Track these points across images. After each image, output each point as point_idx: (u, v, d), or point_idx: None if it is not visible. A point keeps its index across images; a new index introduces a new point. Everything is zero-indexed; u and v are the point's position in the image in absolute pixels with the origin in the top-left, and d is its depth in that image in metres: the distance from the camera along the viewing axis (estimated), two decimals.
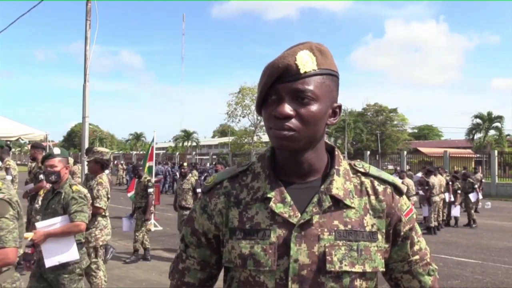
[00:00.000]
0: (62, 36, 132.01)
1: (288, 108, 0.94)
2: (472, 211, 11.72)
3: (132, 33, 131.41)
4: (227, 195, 1.04)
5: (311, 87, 0.95)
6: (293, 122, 0.94)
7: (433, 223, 10.17)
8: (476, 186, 12.15)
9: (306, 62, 0.94)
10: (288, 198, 0.99)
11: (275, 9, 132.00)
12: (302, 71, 0.94)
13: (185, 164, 7.80)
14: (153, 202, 7.26)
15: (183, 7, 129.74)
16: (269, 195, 0.99)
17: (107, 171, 7.44)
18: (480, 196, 12.94)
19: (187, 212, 6.99)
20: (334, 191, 0.99)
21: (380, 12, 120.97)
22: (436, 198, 10.48)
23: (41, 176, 6.27)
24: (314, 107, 0.95)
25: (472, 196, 11.87)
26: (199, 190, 7.02)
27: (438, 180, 10.59)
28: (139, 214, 7.02)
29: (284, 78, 0.94)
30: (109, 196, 4.66)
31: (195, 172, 7.59)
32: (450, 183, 11.43)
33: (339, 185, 1.00)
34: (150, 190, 6.99)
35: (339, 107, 1.04)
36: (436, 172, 11.06)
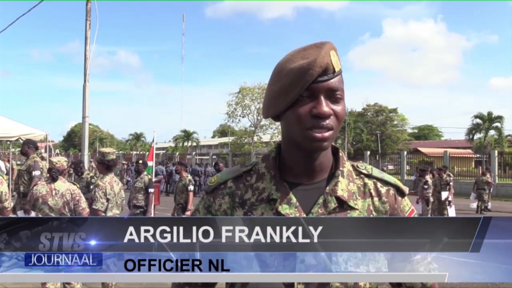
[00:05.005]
0: (60, 36, 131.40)
1: (328, 107, 0.95)
2: None
3: (129, 33, 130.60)
4: (232, 195, 1.04)
5: (341, 86, 0.98)
6: (332, 120, 0.96)
7: None
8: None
9: (335, 61, 0.97)
10: (294, 200, 0.99)
11: (270, 9, 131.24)
12: (336, 70, 0.96)
13: (140, 161, 7.49)
14: (152, 200, 7.14)
15: (178, 7, 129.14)
16: (274, 196, 1.00)
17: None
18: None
19: (138, 211, 6.79)
20: (339, 192, 1.00)
21: (377, 12, 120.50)
22: None
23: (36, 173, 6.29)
24: (342, 105, 0.99)
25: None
26: (151, 190, 6.81)
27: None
28: None
29: (319, 77, 0.95)
30: (109, 197, 4.61)
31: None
32: (452, 183, 11.20)
33: (344, 187, 1.01)
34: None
35: None
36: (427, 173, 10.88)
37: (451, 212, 11.23)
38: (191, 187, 7.22)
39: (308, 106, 0.95)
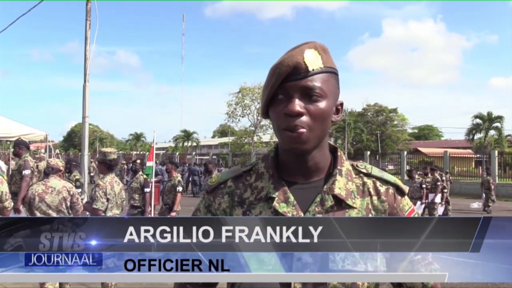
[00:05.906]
0: (60, 36, 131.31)
1: (299, 106, 0.95)
2: None
3: (129, 33, 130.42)
4: (231, 194, 1.06)
5: (319, 84, 0.96)
6: (304, 120, 0.96)
7: None
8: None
9: (313, 60, 0.96)
10: (291, 198, 1.00)
11: (269, 8, 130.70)
12: (310, 69, 0.96)
13: (138, 161, 7.27)
14: (150, 200, 7.00)
15: (178, 7, 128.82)
16: (272, 195, 1.00)
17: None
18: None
19: (136, 211, 6.64)
20: (337, 191, 1.00)
21: (377, 12, 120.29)
22: None
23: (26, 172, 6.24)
24: (322, 104, 0.97)
25: None
26: (147, 189, 6.62)
27: None
28: None
29: (292, 77, 0.95)
30: (109, 197, 4.60)
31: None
32: (439, 183, 10.81)
33: (342, 185, 1.02)
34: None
35: (341, 104, 1.06)
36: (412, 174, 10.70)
37: (439, 212, 11.08)
38: (180, 188, 7.03)
39: (282, 106, 0.97)
